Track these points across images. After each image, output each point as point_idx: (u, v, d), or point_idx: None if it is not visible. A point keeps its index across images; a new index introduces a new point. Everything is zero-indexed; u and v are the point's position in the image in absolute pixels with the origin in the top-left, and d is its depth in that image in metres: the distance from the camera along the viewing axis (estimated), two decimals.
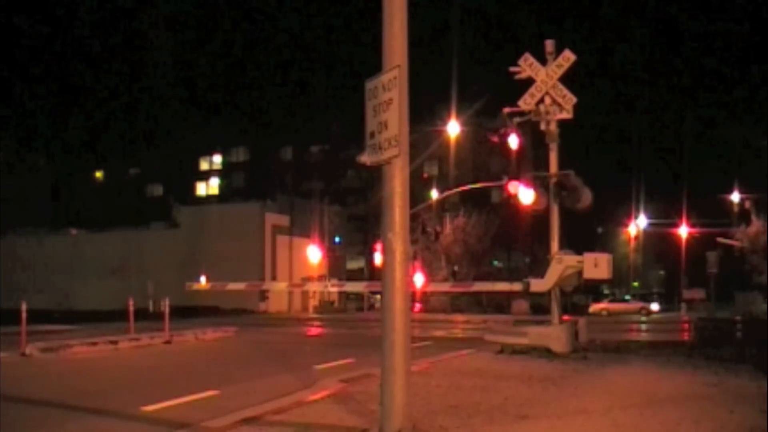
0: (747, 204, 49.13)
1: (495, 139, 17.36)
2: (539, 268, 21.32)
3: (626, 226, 61.84)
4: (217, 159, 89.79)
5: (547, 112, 16.19)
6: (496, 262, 66.61)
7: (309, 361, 15.23)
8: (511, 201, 17.30)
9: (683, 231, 52.54)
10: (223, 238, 54.22)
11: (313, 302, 56.43)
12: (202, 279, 33.81)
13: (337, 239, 60.24)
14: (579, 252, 16.19)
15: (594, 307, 53.34)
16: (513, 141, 16.70)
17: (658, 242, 64.42)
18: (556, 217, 16.36)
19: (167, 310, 20.90)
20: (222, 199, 79.44)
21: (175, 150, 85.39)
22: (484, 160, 60.21)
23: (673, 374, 12.49)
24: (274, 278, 55.30)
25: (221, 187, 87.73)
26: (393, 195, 6.77)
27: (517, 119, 16.56)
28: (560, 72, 16.22)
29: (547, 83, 16.19)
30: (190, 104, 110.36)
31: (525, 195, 16.35)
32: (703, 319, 26.81)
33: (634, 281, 75.22)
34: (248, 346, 20.81)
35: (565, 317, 18.23)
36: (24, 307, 16.91)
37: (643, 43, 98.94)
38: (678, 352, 16.43)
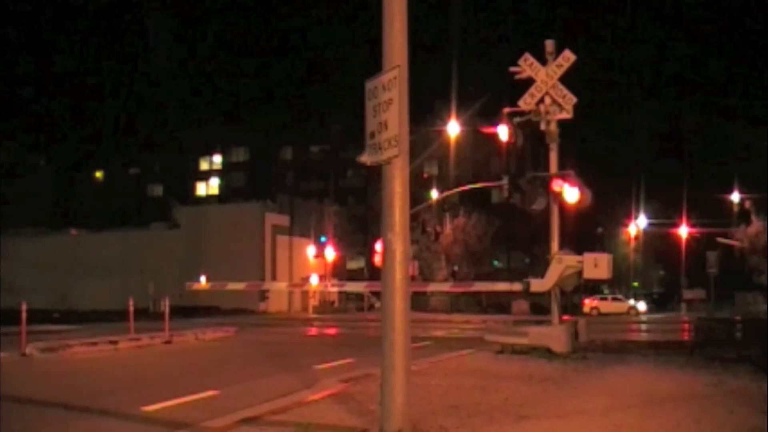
0: (747, 204, 49.14)
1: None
2: (539, 268, 21.31)
3: (626, 226, 61.79)
4: (217, 159, 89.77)
5: (547, 112, 16.18)
6: (496, 262, 66.62)
7: (309, 361, 15.22)
8: (511, 201, 17.27)
9: (683, 231, 52.53)
10: (223, 238, 54.23)
11: (313, 302, 56.43)
12: (202, 279, 33.81)
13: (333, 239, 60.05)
14: (579, 252, 16.19)
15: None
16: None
17: (658, 242, 64.39)
18: (556, 217, 16.35)
19: (167, 310, 20.89)
20: (222, 199, 79.43)
21: (175, 150, 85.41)
22: (484, 160, 60.21)
23: (673, 374, 12.49)
24: (274, 278, 55.27)
25: (221, 187, 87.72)
26: (393, 195, 6.77)
27: (517, 119, 16.55)
28: (560, 72, 16.21)
29: (547, 83, 16.18)
30: (191, 104, 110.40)
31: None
32: (703, 319, 26.86)
33: (634, 281, 75.19)
34: (248, 346, 20.81)
35: (565, 317, 18.22)
36: (24, 307, 16.88)
37: (644, 42, 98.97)
38: (678, 352, 16.43)
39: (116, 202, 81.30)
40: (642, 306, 52.35)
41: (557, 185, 15.50)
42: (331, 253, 55.08)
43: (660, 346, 18.21)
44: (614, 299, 53.17)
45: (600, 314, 49.51)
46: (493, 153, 51.97)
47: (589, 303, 53.56)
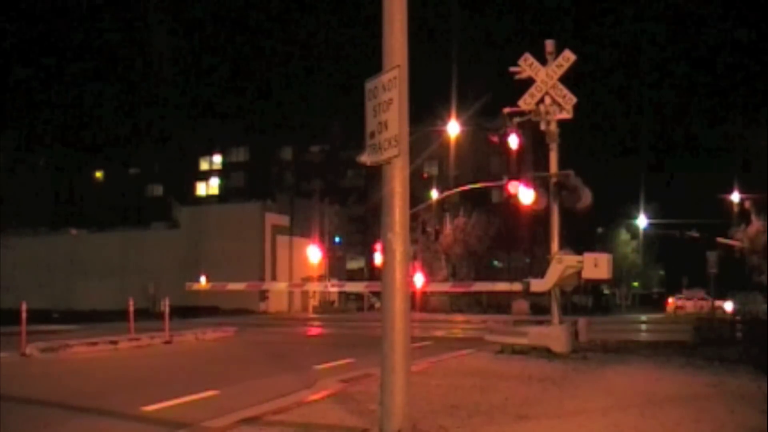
0: (747, 204, 49.08)
1: (495, 139, 17.40)
2: (539, 268, 21.31)
3: (627, 226, 61.86)
4: (217, 159, 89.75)
5: (547, 112, 16.20)
6: (496, 262, 66.64)
7: (309, 361, 15.22)
8: (511, 201, 17.29)
9: (683, 231, 52.47)
10: (223, 238, 54.19)
11: (313, 302, 56.43)
12: (202, 279, 33.80)
13: (337, 239, 60.26)
14: (579, 252, 16.19)
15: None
16: (513, 141, 16.72)
17: (658, 242, 64.46)
18: (556, 217, 16.36)
19: (167, 310, 20.88)
20: (222, 199, 79.40)
21: (175, 150, 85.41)
22: (484, 160, 60.22)
23: (673, 374, 12.49)
24: (274, 278, 55.24)
25: (221, 187, 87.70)
26: (393, 195, 6.77)
27: (517, 119, 16.56)
28: (560, 72, 16.23)
29: (547, 83, 16.19)
30: (191, 104, 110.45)
31: (525, 195, 16.34)
32: (703, 319, 26.86)
33: (634, 281, 75.23)
34: (248, 346, 20.81)
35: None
36: (24, 307, 16.89)
37: (645, 42, 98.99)
38: (678, 352, 16.43)
39: (116, 202, 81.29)
40: (729, 306, 51.13)
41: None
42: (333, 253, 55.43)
43: (660, 346, 18.21)
44: (699, 299, 52.51)
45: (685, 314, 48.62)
46: (493, 153, 51.99)
47: (673, 302, 52.71)
